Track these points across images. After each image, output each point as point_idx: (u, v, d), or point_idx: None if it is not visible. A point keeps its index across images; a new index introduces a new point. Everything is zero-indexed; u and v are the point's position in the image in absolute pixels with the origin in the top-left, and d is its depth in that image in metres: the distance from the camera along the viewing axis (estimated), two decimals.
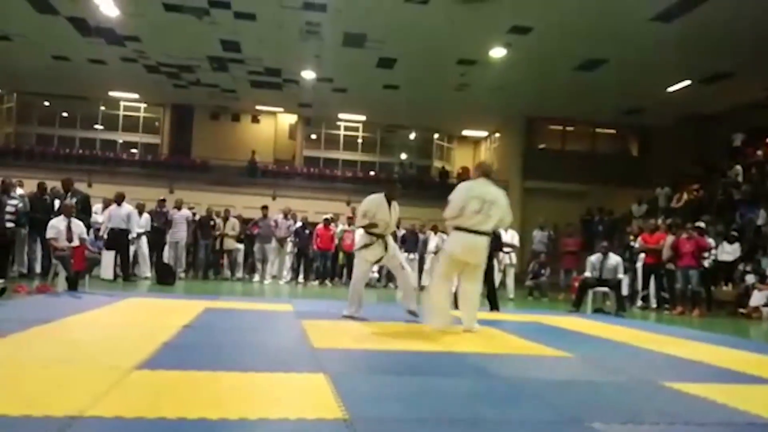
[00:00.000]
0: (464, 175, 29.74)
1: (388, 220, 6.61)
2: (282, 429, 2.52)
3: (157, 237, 12.26)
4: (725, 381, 4.08)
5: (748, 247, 12.49)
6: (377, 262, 6.91)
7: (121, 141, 25.90)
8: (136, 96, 24.44)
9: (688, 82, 17.19)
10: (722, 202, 15.97)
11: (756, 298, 10.87)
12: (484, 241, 5.76)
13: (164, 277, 10.78)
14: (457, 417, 2.83)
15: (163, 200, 13.20)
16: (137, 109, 25.94)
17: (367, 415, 2.69)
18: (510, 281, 12.52)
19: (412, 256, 13.96)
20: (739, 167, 16.70)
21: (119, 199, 10.99)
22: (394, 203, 6.73)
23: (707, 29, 13.33)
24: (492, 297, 8.81)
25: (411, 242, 14.05)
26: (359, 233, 13.75)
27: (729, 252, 12.03)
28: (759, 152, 17.32)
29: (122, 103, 25.45)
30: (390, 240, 6.78)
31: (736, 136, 18.89)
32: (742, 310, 11.01)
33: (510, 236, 12.62)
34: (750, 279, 11.52)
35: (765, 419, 3.01)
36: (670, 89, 17.76)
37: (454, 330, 5.75)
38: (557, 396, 3.42)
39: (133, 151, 25.76)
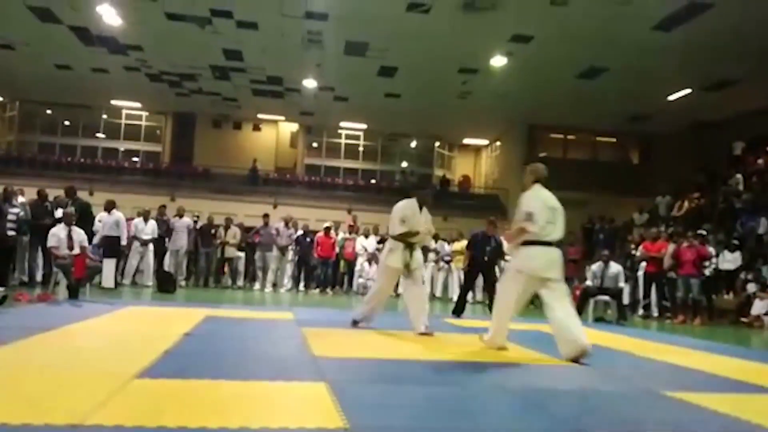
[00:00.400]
0: (465, 184, 29.82)
1: (417, 227, 6.24)
2: None
3: (158, 245, 12.27)
4: (727, 390, 4.07)
5: (749, 255, 12.48)
6: (412, 268, 6.27)
7: (122, 149, 25.98)
8: (138, 104, 24.55)
9: (688, 91, 17.22)
10: (723, 210, 15.95)
11: (757, 307, 10.85)
12: (559, 254, 5.31)
13: (165, 285, 10.78)
14: (458, 427, 2.82)
15: (164, 207, 13.20)
16: (139, 118, 26.04)
17: (367, 425, 2.69)
18: None
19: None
20: (739, 176, 16.70)
21: (108, 207, 11.02)
22: (425, 210, 6.39)
23: (707, 38, 13.38)
24: (493, 306, 8.83)
25: None
26: (360, 241, 13.83)
27: (730, 261, 12.02)
28: (760, 161, 17.31)
29: (124, 112, 25.56)
30: (418, 251, 6.39)
31: (736, 144, 18.90)
32: (743, 319, 10.99)
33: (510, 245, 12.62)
34: (751, 288, 11.50)
35: (766, 429, 3.00)
36: (671, 97, 17.80)
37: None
38: (558, 405, 3.41)
39: (135, 159, 25.83)
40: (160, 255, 12.38)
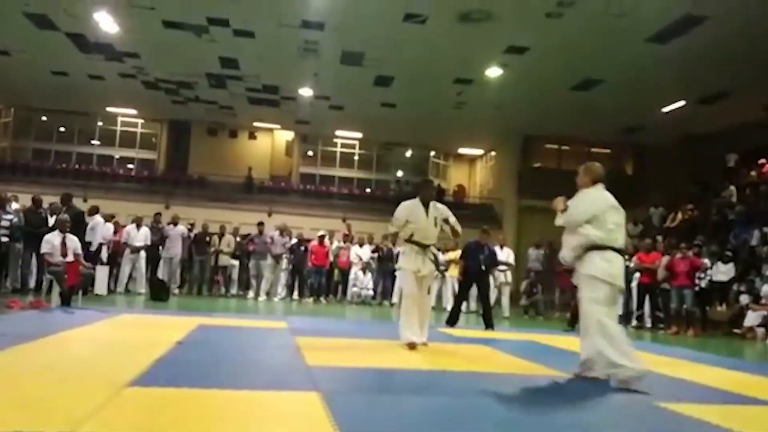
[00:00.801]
0: (460, 193, 29.79)
1: (424, 226, 5.94)
2: None
3: (151, 253, 12.23)
4: (719, 402, 4.08)
5: (742, 267, 12.53)
6: (421, 275, 5.92)
7: (117, 156, 25.91)
8: (133, 111, 24.52)
9: (683, 103, 17.33)
10: (716, 222, 16.03)
11: (750, 319, 10.88)
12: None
13: (158, 292, 10.73)
14: None
15: (159, 215, 13.18)
16: (135, 125, 26.01)
17: None
18: (505, 299, 12.52)
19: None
20: (733, 188, 16.80)
21: (91, 212, 11.00)
22: (436, 205, 6.11)
23: (702, 51, 13.47)
24: (487, 316, 8.83)
25: None
26: (355, 250, 13.83)
27: (723, 272, 12.06)
28: (753, 173, 17.43)
29: (120, 119, 25.51)
30: (429, 254, 6.07)
31: (730, 156, 19.02)
32: (736, 331, 11.02)
33: (506, 254, 12.65)
34: (744, 299, 11.54)
35: None
36: (665, 109, 17.90)
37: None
38: (551, 416, 3.42)
39: (130, 166, 25.78)
40: (153, 263, 12.35)
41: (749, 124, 18.23)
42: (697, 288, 10.86)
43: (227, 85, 18.77)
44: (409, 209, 6.00)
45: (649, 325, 11.50)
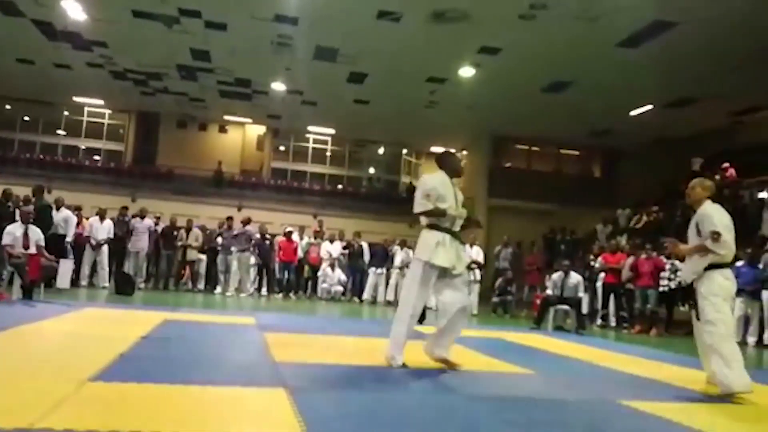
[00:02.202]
0: None
1: (455, 205, 4.74)
2: None
3: (117, 246, 12.01)
4: (681, 400, 4.17)
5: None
6: (447, 273, 4.64)
7: (83, 147, 25.40)
8: (101, 102, 24.03)
9: (651, 107, 17.65)
10: (680, 224, 16.36)
11: None
12: None
13: (123, 287, 10.55)
14: None
15: (125, 208, 12.96)
16: (102, 116, 25.51)
17: (325, 431, 2.67)
18: (474, 297, 12.59)
19: (380, 270, 13.98)
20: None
21: (58, 204, 10.84)
22: (456, 185, 4.91)
23: (670, 56, 13.73)
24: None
25: (380, 257, 14.06)
26: (325, 246, 13.78)
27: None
28: (717, 176, 17.85)
29: (86, 109, 24.98)
30: (462, 247, 4.92)
31: (695, 160, 19.43)
32: None
33: (475, 253, 12.74)
34: None
35: None
36: (634, 113, 18.22)
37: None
38: (515, 413, 3.45)
39: (96, 157, 25.29)
40: (119, 256, 12.13)
41: (714, 130, 18.70)
42: (666, 288, 11.06)
43: (198, 77, 18.51)
44: (440, 182, 4.73)
45: (613, 324, 11.69)
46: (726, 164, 17.58)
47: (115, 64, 17.99)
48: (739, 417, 3.80)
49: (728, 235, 4.53)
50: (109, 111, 25.29)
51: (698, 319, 4.56)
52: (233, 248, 12.63)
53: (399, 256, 13.74)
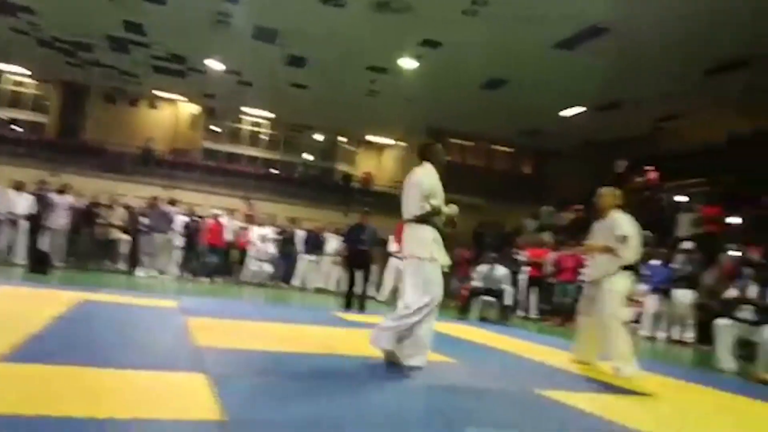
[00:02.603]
0: (367, 181, 29.85)
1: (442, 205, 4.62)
2: (155, 430, 2.42)
3: (34, 222, 11.41)
4: (594, 391, 4.36)
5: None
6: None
7: (4, 117, 23.96)
8: (24, 70, 22.72)
9: (582, 109, 18.26)
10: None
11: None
12: None
13: (39, 265, 10.03)
14: (335, 420, 2.84)
15: (44, 182, 12.30)
16: (25, 85, 24.14)
17: (245, 418, 2.65)
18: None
19: (311, 257, 13.89)
20: (619, 192, 17.91)
21: None
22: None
23: (603, 61, 14.23)
24: (362, 298, 9.07)
25: (311, 243, 13.96)
26: (256, 230, 13.54)
27: None
28: (639, 179, 18.71)
29: (8, 77, 23.56)
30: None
31: (619, 163, 20.28)
32: None
33: None
34: None
35: (627, 428, 3.25)
36: (565, 114, 18.80)
37: None
38: (436, 400, 3.52)
39: (17, 128, 23.91)
40: (35, 233, 11.53)
41: (639, 135, 19.55)
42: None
43: (130, 50, 17.76)
44: (435, 179, 4.62)
45: (534, 315, 12.10)
46: (649, 168, 18.44)
47: (42, 31, 17.03)
48: (646, 407, 4.01)
49: (634, 242, 5.20)
50: (33, 80, 23.96)
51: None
52: (156, 229, 12.23)
53: (331, 243, 13.70)
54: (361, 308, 8.92)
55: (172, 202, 12.88)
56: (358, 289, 9.78)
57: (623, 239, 5.20)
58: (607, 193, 5.59)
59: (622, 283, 5.23)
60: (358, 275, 9.40)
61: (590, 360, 5.42)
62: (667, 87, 15.35)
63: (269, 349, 4.68)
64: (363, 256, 9.10)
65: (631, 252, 5.23)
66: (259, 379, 3.64)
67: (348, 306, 9.11)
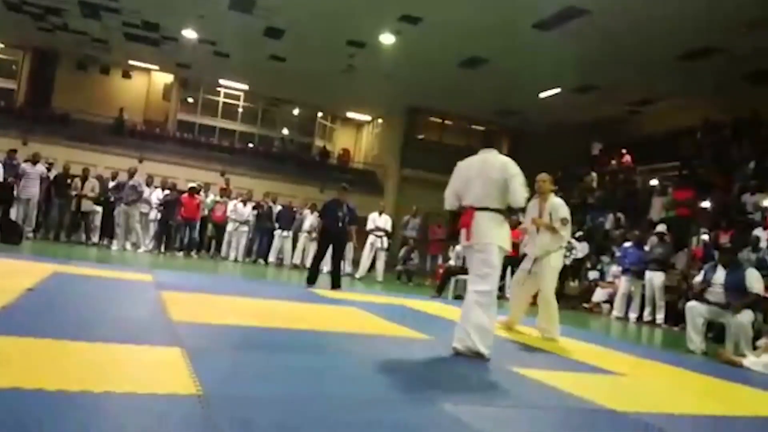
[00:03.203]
0: (345, 157, 29.75)
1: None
2: (129, 404, 2.38)
3: (4, 192, 11.12)
4: (566, 369, 4.43)
5: (596, 248, 13.63)
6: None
7: None
8: None
9: (558, 90, 18.32)
10: (576, 205, 17.27)
11: (598, 295, 11.92)
12: None
13: (9, 235, 9.81)
14: (311, 395, 2.83)
15: (14, 151, 11.99)
16: None
17: (221, 392, 2.62)
18: (380, 264, 12.77)
19: (285, 233, 13.81)
20: (594, 174, 18.15)
21: None
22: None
23: (580, 42, 14.26)
24: (336, 274, 8.96)
25: (286, 219, 13.86)
26: (231, 206, 13.40)
27: (579, 250, 13.03)
28: (613, 162, 18.93)
29: None
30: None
31: (595, 145, 20.50)
32: (585, 305, 12.01)
33: (383, 221, 12.88)
34: (593, 275, 12.60)
35: (597, 405, 3.30)
36: (542, 95, 18.85)
37: None
38: (412, 376, 3.54)
39: None
40: (5, 203, 11.24)
41: (614, 118, 19.72)
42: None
43: (102, 16, 17.27)
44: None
45: (509, 295, 12.22)
46: (623, 151, 18.64)
47: None
48: (616, 385, 4.08)
49: (569, 225, 6.01)
50: (1, 45, 23.21)
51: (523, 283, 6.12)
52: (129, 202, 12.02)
53: (308, 220, 13.64)
54: (336, 286, 8.79)
55: (133, 173, 12.55)
56: (327, 266, 9.69)
57: (564, 221, 5.90)
58: (546, 179, 6.13)
59: (559, 260, 6.06)
60: (329, 253, 9.27)
61: (514, 325, 6.33)
62: (642, 71, 15.47)
63: (245, 324, 4.65)
64: (339, 233, 9.02)
65: (568, 233, 6.12)
66: (236, 353, 3.61)
67: (312, 281, 8.90)
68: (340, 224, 8.94)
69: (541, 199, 6.01)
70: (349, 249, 13.30)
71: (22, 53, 23.32)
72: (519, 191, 4.33)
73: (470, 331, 4.20)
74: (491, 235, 4.30)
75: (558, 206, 5.94)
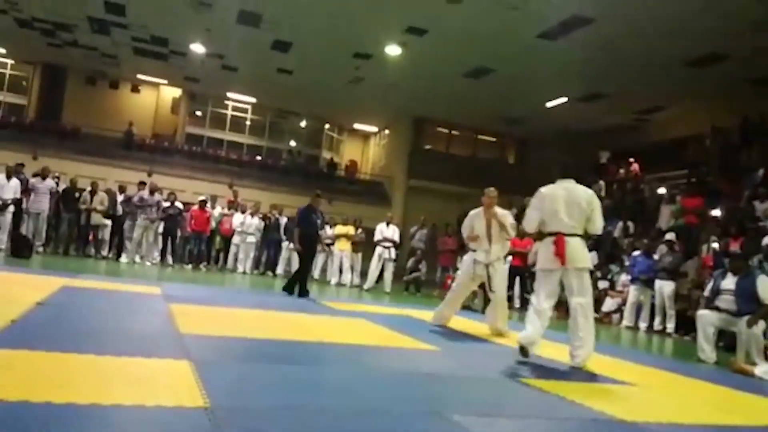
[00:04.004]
0: (352, 169, 29.83)
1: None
2: (138, 416, 2.38)
3: (16, 206, 11.21)
4: (575, 379, 4.40)
5: (605, 256, 13.55)
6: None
7: None
8: (2, 51, 22.25)
9: (565, 99, 18.32)
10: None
11: (608, 305, 11.82)
12: None
13: (20, 249, 9.88)
14: (319, 407, 2.83)
15: (21, 165, 12.04)
16: (3, 66, 23.66)
17: (228, 404, 2.62)
18: (388, 275, 12.75)
19: (293, 245, 13.81)
20: (602, 182, 18.09)
21: None
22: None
23: (585, 51, 14.29)
24: (303, 282, 8.76)
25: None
26: (237, 218, 13.41)
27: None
28: (621, 170, 18.85)
29: None
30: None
31: (603, 153, 20.42)
32: (595, 315, 11.91)
33: (391, 232, 12.87)
34: (602, 285, 12.52)
35: (607, 415, 3.28)
36: (549, 104, 18.85)
37: None
38: (420, 388, 3.53)
39: None
40: (16, 217, 11.33)
41: (621, 126, 19.68)
42: None
43: (111, 32, 17.49)
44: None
45: (517, 305, 12.17)
46: (631, 159, 18.56)
47: (21, 10, 16.71)
48: (626, 396, 4.05)
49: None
50: (12, 61, 23.51)
51: (491, 288, 6.50)
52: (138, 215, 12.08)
53: None
54: (304, 293, 8.54)
55: (155, 188, 12.69)
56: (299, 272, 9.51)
57: (513, 226, 6.63)
58: (495, 193, 6.72)
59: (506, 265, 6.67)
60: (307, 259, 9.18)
61: (448, 321, 6.90)
62: (648, 79, 15.46)
63: (253, 336, 4.65)
64: (314, 239, 8.99)
65: (513, 233, 6.78)
66: (243, 365, 3.61)
67: (292, 291, 8.74)
68: (315, 231, 8.96)
69: (487, 211, 6.58)
70: (357, 260, 13.32)
71: (32, 69, 23.61)
72: (600, 222, 5.03)
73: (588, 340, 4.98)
74: (585, 260, 4.96)
75: (505, 215, 6.62)
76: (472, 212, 6.79)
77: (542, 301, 4.95)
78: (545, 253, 4.97)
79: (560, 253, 4.79)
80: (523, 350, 4.79)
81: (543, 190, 5.14)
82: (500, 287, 6.58)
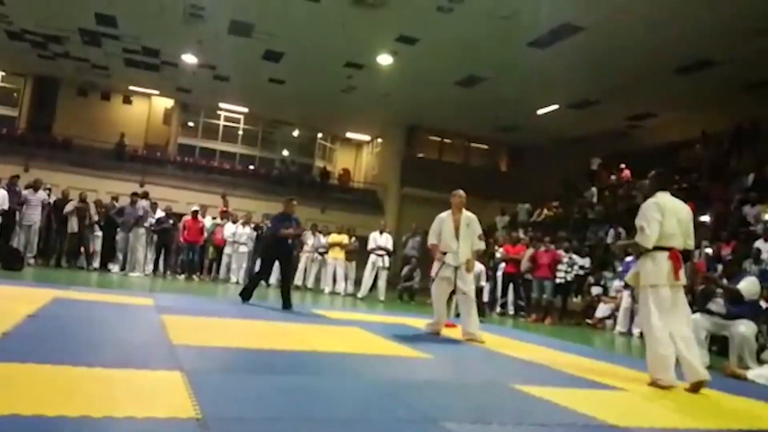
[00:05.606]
0: (345, 177, 29.86)
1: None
2: (129, 428, 2.38)
3: (6, 218, 11.15)
4: (568, 385, 4.40)
5: (598, 262, 13.59)
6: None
7: None
8: None
9: (556, 106, 18.43)
10: (577, 220, 17.28)
11: (601, 310, 11.84)
12: None
13: (10, 262, 9.82)
14: (312, 416, 2.83)
15: (16, 177, 12.01)
16: None
17: (221, 415, 2.62)
18: (382, 283, 12.73)
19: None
20: (594, 189, 18.19)
21: None
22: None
23: (576, 59, 14.39)
24: (286, 294, 8.50)
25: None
26: (229, 228, 13.37)
27: (580, 266, 12.99)
28: (613, 177, 18.96)
29: None
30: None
31: (594, 160, 20.53)
32: (588, 321, 11.95)
33: (384, 240, 12.88)
34: (595, 291, 12.54)
35: (600, 421, 3.28)
36: (540, 112, 18.95)
37: None
38: (414, 396, 3.52)
39: None
40: (7, 229, 11.26)
41: (613, 132, 19.80)
42: (563, 280, 11.64)
43: (102, 43, 17.48)
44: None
45: (511, 312, 12.19)
46: (622, 165, 18.67)
47: (12, 23, 16.70)
48: (617, 400, 4.06)
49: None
50: (2, 73, 23.45)
51: (462, 290, 6.60)
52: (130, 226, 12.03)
53: (309, 241, 13.62)
54: (288, 306, 8.20)
55: (146, 196, 12.64)
56: (270, 280, 9.23)
57: (481, 237, 6.77)
58: (463, 196, 6.85)
59: (477, 268, 6.97)
60: (276, 268, 9.01)
61: (441, 326, 6.93)
62: (640, 86, 15.59)
63: (246, 347, 4.65)
64: (287, 248, 8.80)
65: (483, 244, 6.97)
66: (236, 376, 3.61)
67: (248, 297, 8.50)
68: (290, 240, 8.78)
69: (455, 213, 6.74)
70: (352, 268, 13.30)
71: (23, 80, 23.56)
72: (693, 237, 4.81)
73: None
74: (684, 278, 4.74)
75: (473, 219, 6.73)
76: (440, 215, 6.87)
77: (659, 320, 4.54)
78: (656, 268, 4.57)
79: (677, 270, 4.54)
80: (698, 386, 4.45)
81: (660, 201, 4.62)
82: (470, 289, 6.62)
